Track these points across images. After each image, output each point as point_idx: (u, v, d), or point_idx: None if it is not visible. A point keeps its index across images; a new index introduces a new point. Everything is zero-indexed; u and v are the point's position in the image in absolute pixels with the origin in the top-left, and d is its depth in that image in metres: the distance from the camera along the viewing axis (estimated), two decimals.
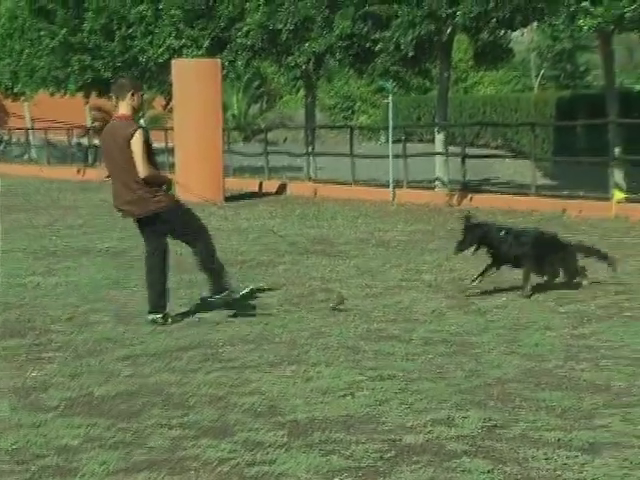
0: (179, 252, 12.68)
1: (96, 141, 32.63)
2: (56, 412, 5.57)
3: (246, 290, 8.67)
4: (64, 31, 26.71)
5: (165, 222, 7.86)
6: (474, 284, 8.87)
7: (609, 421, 5.18)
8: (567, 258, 8.93)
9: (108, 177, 8.21)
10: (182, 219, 7.94)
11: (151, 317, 7.87)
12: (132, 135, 7.64)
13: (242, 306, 8.29)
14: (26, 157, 34.67)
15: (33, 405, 5.72)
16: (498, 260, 8.87)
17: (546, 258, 8.86)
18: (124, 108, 7.82)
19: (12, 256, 11.98)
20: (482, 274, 8.90)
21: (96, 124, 35.22)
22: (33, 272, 10.65)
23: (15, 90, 32.30)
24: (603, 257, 9.13)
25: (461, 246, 8.86)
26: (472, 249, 8.86)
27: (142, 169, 7.65)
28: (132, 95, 7.78)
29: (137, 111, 7.96)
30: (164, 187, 7.87)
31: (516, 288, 9.05)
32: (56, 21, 27.11)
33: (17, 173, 29.62)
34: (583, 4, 15.32)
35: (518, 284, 9.21)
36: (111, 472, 4.61)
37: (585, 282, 9.04)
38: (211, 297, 8.10)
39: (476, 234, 8.73)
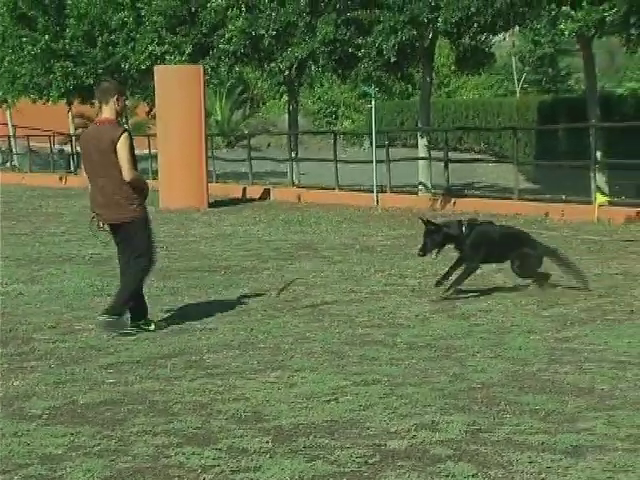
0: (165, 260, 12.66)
1: (79, 148, 32.54)
2: (40, 421, 5.54)
3: (130, 330, 7.80)
4: (46, 38, 26.63)
5: (131, 232, 7.76)
6: (447, 287, 8.91)
7: (593, 424, 5.20)
8: (529, 255, 8.95)
9: None
10: (144, 234, 7.85)
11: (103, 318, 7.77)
12: (119, 138, 7.62)
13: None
14: (8, 165, 34.51)
15: (16, 414, 5.68)
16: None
17: (510, 252, 8.94)
18: (108, 112, 7.78)
19: None
20: (448, 274, 8.95)
21: (79, 131, 35.10)
22: (16, 280, 10.59)
23: None
24: (573, 271, 9.09)
25: (423, 250, 9.03)
26: (434, 252, 9.03)
27: (128, 172, 7.63)
28: (117, 99, 7.75)
29: (120, 115, 7.93)
30: (144, 194, 7.83)
31: (500, 291, 9.08)
32: (38, 28, 27.03)
33: None
34: (564, 8, 15.42)
35: (502, 287, 9.25)
36: None
37: (541, 288, 8.95)
38: (101, 316, 7.77)
39: (436, 239, 8.92)
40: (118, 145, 7.62)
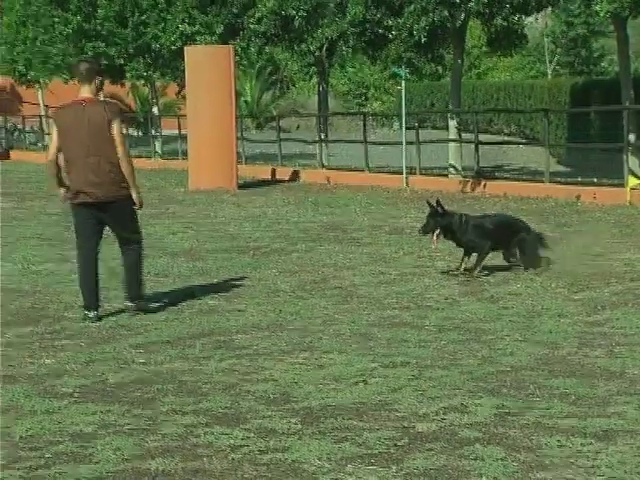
0: (192, 241, 12.71)
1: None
2: (70, 399, 5.59)
3: (157, 305, 8.06)
4: (78, 18, 26.72)
5: (125, 209, 7.69)
6: (459, 272, 9.18)
7: (623, 408, 5.16)
8: (526, 241, 9.28)
9: None
10: (135, 213, 7.83)
11: (151, 306, 7.88)
12: (116, 115, 7.63)
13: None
14: (40, 145, 34.74)
15: (47, 392, 5.74)
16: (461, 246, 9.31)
17: (506, 240, 9.26)
18: (89, 91, 7.70)
19: (26, 243, 12.02)
20: (461, 262, 9.24)
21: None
22: (47, 259, 10.68)
23: (29, 77, 32.36)
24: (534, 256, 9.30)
25: (424, 229, 9.36)
26: (435, 234, 9.23)
27: (125, 150, 7.61)
28: (99, 79, 7.76)
29: (97, 93, 7.88)
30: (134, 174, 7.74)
31: (529, 275, 9.02)
32: (70, 8, 27.13)
33: (31, 160, 29.71)
34: None
35: (532, 271, 9.18)
36: (125, 458, 4.63)
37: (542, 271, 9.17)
38: (130, 302, 7.81)
39: (438, 222, 9.20)
40: (115, 122, 7.58)
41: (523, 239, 9.27)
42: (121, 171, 7.60)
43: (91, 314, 7.66)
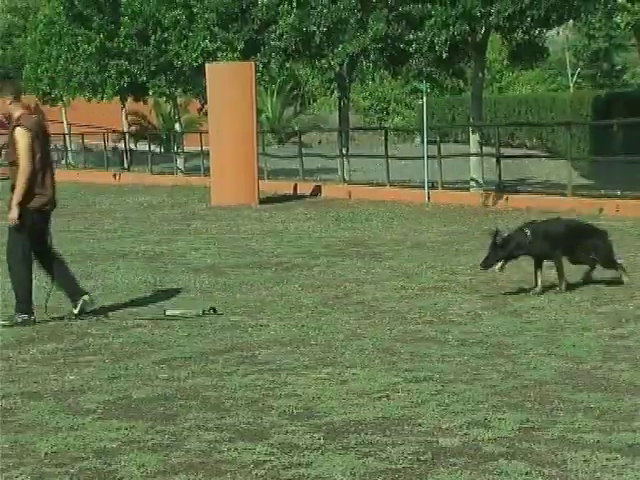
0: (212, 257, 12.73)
1: (132, 145, 33.03)
2: (94, 415, 5.61)
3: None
4: (101, 36, 26.98)
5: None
6: (537, 290, 8.82)
7: None
8: (599, 244, 9.00)
9: None
10: None
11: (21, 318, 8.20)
12: None
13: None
14: (63, 162, 35.01)
15: (71, 408, 5.76)
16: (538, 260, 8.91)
17: (578, 246, 8.93)
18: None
19: None
20: (536, 279, 8.88)
21: (132, 128, 35.55)
22: None
23: (52, 95, 32.66)
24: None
25: (487, 262, 8.88)
26: (499, 265, 8.91)
27: None
28: None
29: None
30: None
31: (552, 288, 8.98)
32: (93, 27, 27.40)
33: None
34: (620, 1, 15.18)
35: (555, 284, 9.14)
36: (149, 474, 4.64)
37: (626, 278, 9.07)
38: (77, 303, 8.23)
39: (500, 253, 8.76)
40: None
41: (593, 244, 8.96)
42: None
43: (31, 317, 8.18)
